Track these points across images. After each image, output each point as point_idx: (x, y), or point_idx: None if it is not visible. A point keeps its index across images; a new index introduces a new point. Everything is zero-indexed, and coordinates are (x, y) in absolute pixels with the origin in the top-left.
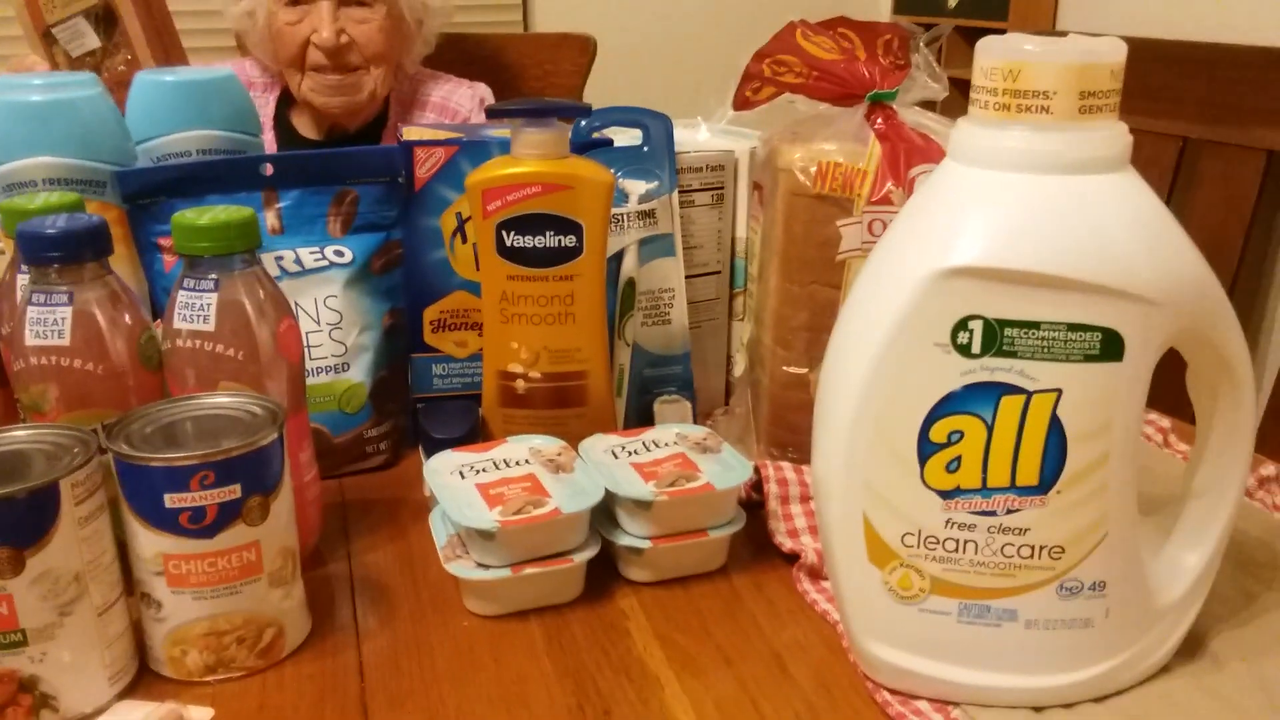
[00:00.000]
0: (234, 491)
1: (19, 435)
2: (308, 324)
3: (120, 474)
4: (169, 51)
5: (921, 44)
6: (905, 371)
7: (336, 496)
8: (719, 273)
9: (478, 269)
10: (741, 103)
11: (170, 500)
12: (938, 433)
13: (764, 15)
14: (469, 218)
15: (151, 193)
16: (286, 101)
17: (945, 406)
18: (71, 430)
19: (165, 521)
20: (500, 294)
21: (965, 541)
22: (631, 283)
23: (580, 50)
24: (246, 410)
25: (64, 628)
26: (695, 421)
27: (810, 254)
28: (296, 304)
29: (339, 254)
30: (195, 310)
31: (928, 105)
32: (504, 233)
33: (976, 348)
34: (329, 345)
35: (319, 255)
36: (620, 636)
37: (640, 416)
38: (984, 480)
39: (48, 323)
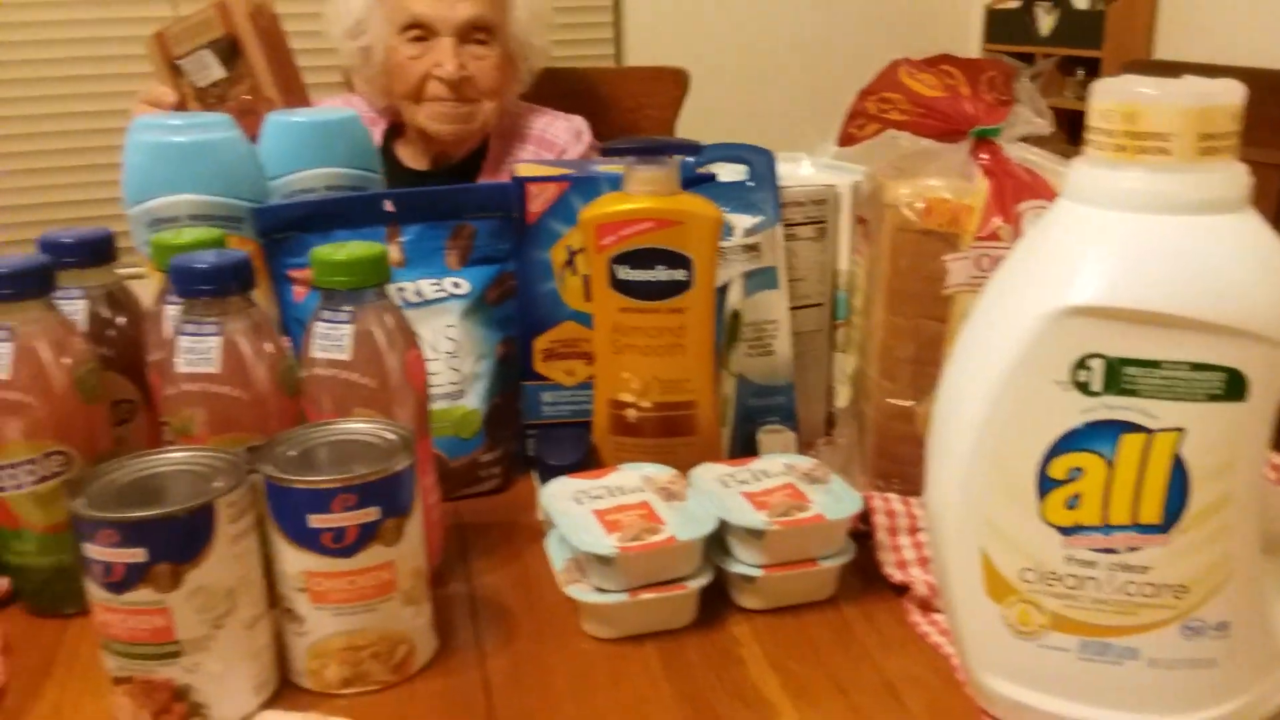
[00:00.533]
0: (373, 514)
1: (175, 457)
2: (426, 352)
3: (268, 495)
4: (289, 82)
5: (1025, 79)
6: (1024, 408)
7: (453, 519)
8: (821, 305)
9: (586, 300)
10: (846, 139)
11: (314, 521)
12: (1057, 469)
13: (854, 48)
14: (579, 251)
15: (284, 228)
16: (392, 134)
17: (1065, 443)
18: (222, 454)
19: (309, 540)
20: (612, 325)
21: (1086, 578)
22: (736, 314)
23: (673, 84)
24: (381, 436)
25: (216, 640)
26: (797, 452)
27: (916, 288)
28: (417, 335)
29: (457, 285)
30: (332, 340)
31: (1032, 140)
32: (617, 267)
33: (1097, 386)
34: (446, 373)
35: (438, 287)
36: (734, 663)
37: (744, 446)
38: (1105, 517)
39: (198, 351)
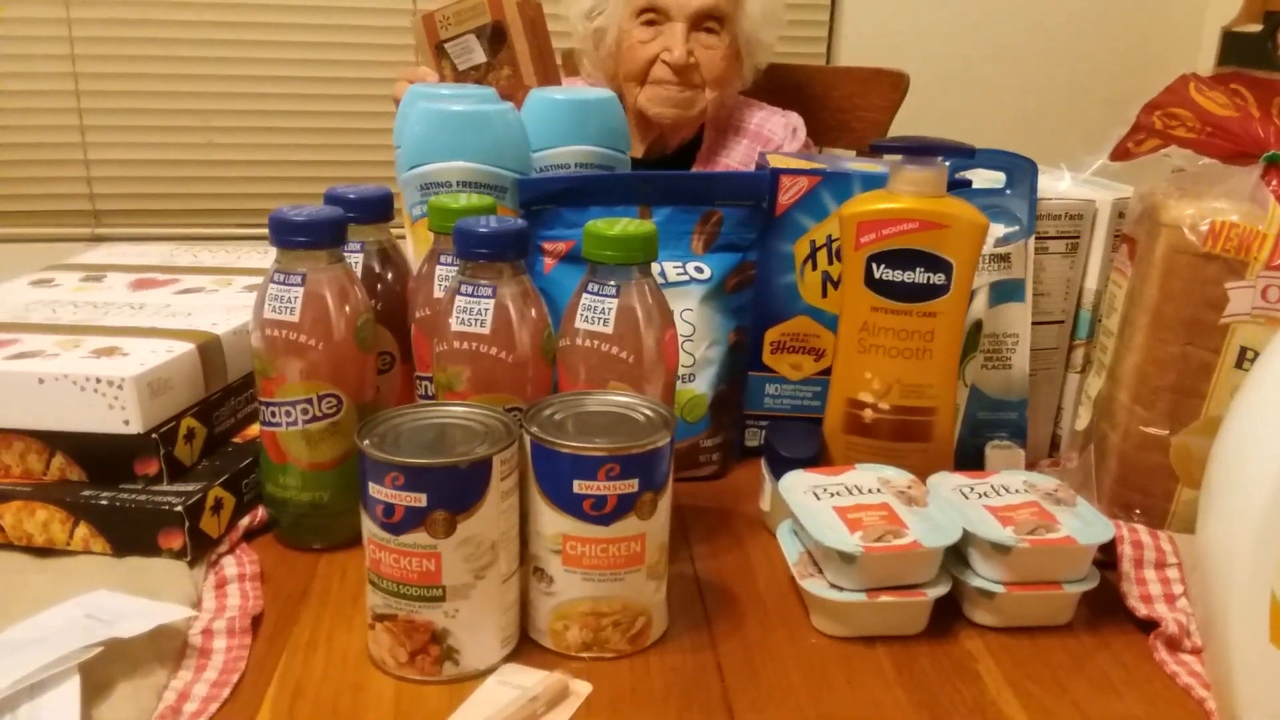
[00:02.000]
0: (632, 485)
1: (454, 410)
2: None
3: (534, 457)
4: (548, 73)
5: None
6: None
7: (675, 501)
8: (1062, 322)
9: (823, 296)
10: (1121, 153)
11: (578, 486)
12: None
13: (1079, 63)
14: (822, 245)
15: (544, 200)
16: None
17: None
18: (496, 412)
19: (570, 505)
20: (861, 324)
21: None
22: (979, 324)
23: (892, 86)
24: (640, 411)
25: (475, 589)
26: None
27: (1188, 313)
28: None
29: (699, 270)
30: (596, 313)
31: None
32: (874, 265)
33: None
34: (680, 355)
35: (681, 270)
36: (971, 679)
37: (967, 458)
38: None
39: (473, 312)
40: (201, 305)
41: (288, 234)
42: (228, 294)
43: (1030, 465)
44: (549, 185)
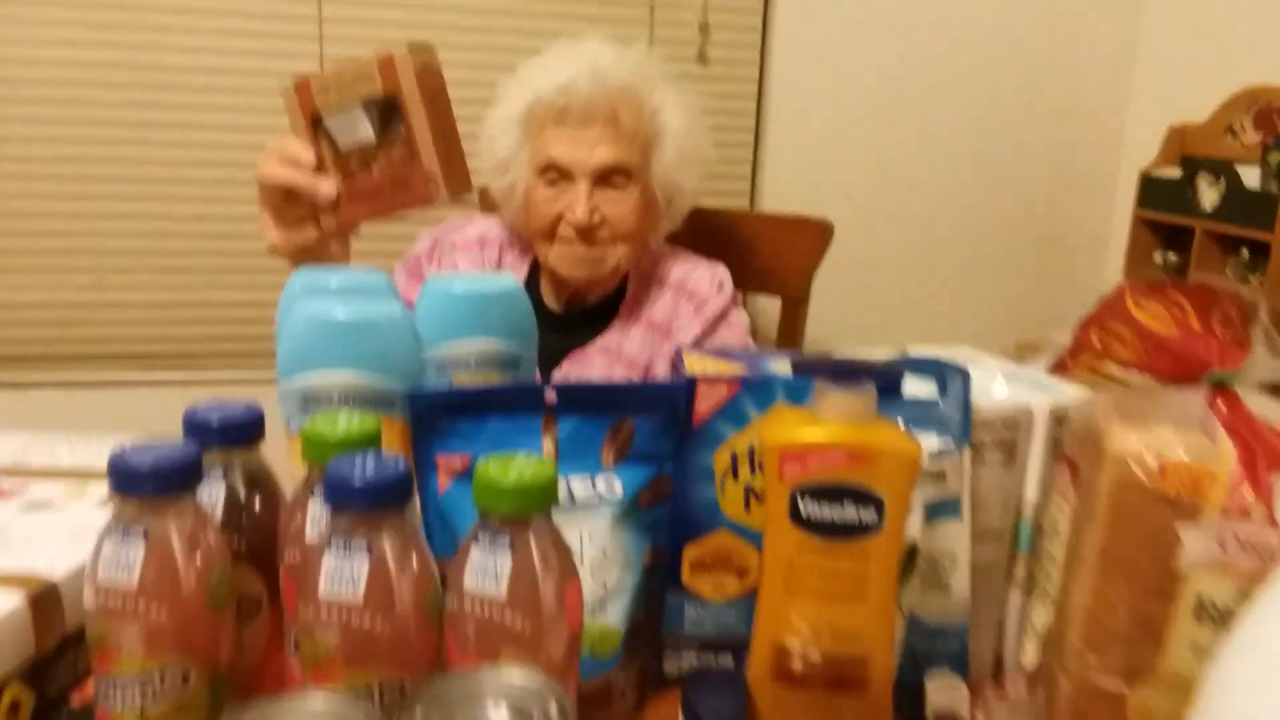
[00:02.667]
0: None
1: (313, 709)
2: None
3: None
4: (450, 152)
5: (1261, 315)
6: None
7: None
8: (1001, 536)
9: (746, 510)
10: (1060, 368)
11: None
12: None
13: (998, 215)
14: (744, 456)
15: (437, 413)
16: (537, 269)
17: None
18: (359, 709)
19: None
20: (787, 563)
21: None
22: (914, 547)
23: (816, 235)
24: (538, 707)
25: None
26: (969, 705)
27: (1140, 556)
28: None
29: (610, 486)
30: (488, 573)
31: (1270, 388)
32: (800, 499)
33: None
34: (589, 585)
35: (590, 487)
36: None
37: (906, 696)
38: None
39: (344, 575)
40: (44, 531)
41: (128, 483)
42: (79, 511)
43: (973, 690)
44: (442, 397)
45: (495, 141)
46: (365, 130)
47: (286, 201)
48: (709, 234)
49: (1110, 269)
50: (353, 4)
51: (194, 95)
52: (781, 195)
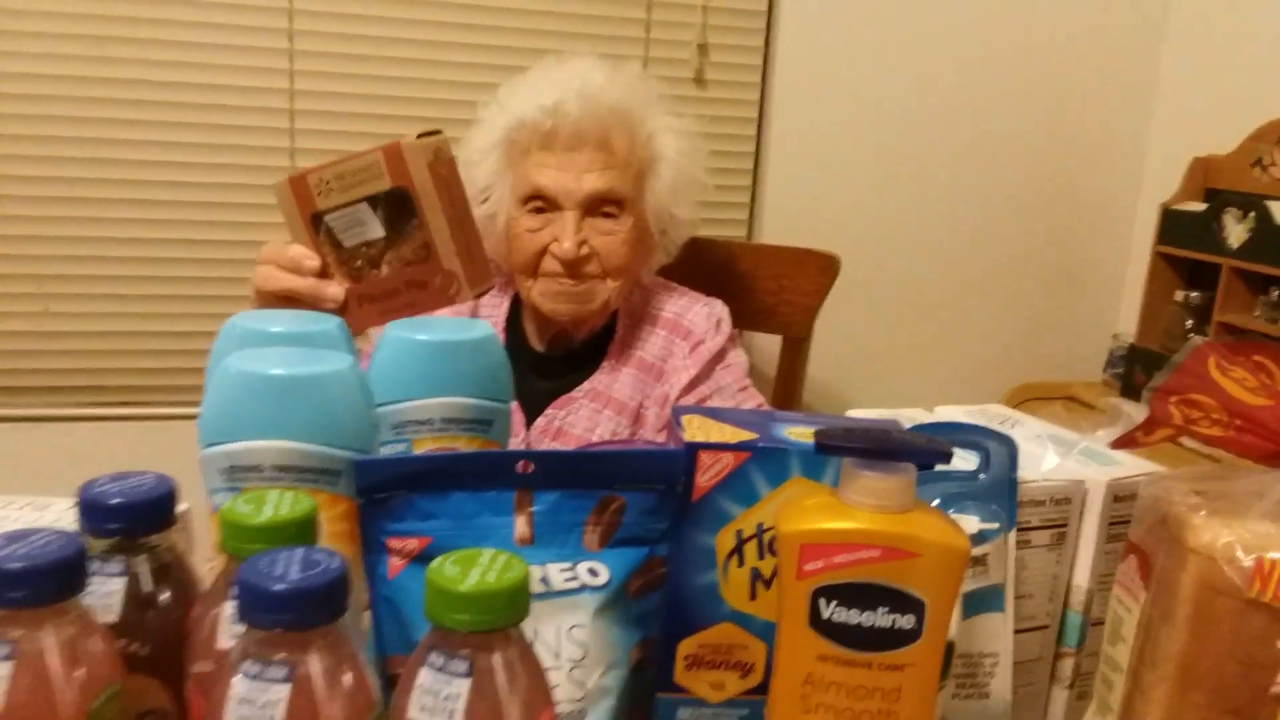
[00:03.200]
0: None
1: None
2: (546, 658)
3: None
4: (470, 243)
5: None
6: None
7: None
8: (1046, 627)
9: (752, 598)
10: (1128, 442)
11: None
12: None
13: (1011, 249)
14: (751, 536)
15: (390, 486)
16: (519, 306)
17: None
18: None
19: None
20: (805, 676)
21: None
22: (950, 645)
23: (821, 269)
24: None
25: None
26: None
27: (1230, 671)
28: (536, 632)
29: (593, 573)
30: (440, 700)
31: None
32: (822, 601)
33: None
34: (566, 687)
35: (571, 574)
36: None
37: None
38: None
39: (257, 705)
40: None
41: None
42: None
43: None
44: (397, 468)
45: (474, 168)
46: (374, 228)
47: (286, 306)
48: (705, 267)
49: (1128, 308)
50: (324, 20)
51: (149, 112)
52: (782, 226)
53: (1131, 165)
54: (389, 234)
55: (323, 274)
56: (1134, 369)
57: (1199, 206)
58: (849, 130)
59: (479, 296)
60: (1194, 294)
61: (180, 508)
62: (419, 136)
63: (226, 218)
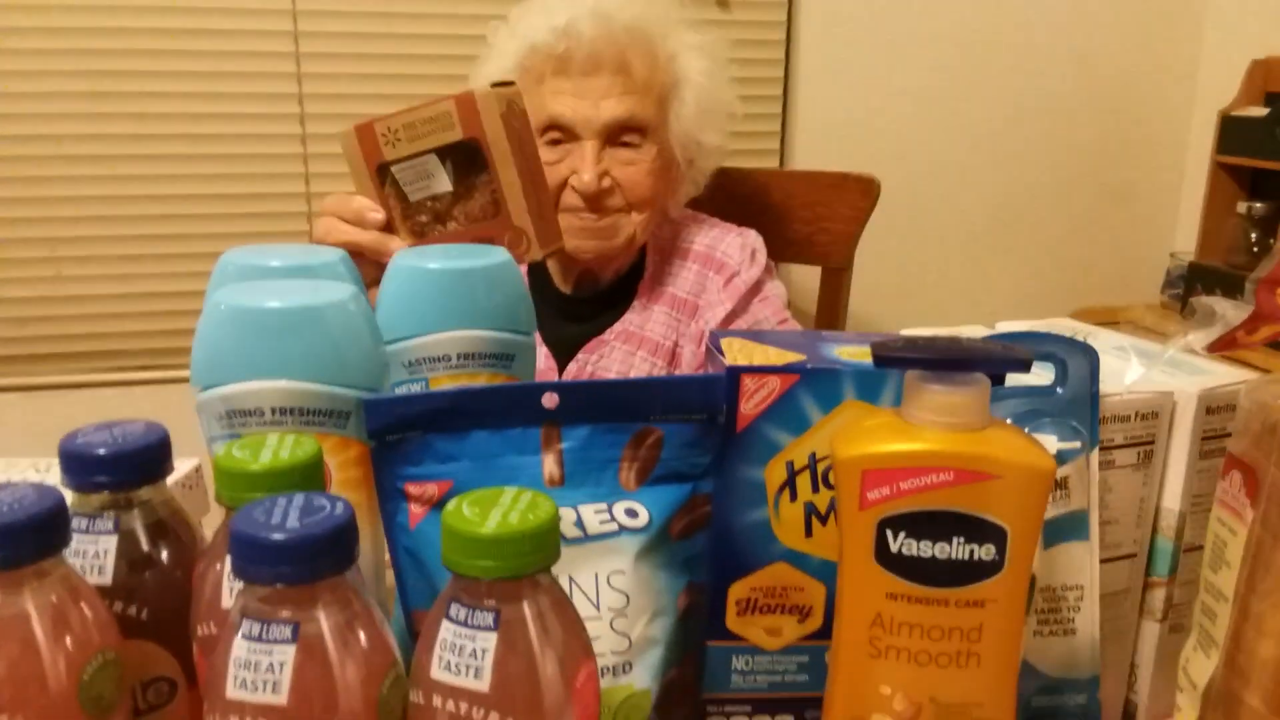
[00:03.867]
0: None
1: None
2: (584, 609)
3: None
4: (541, 202)
5: None
6: None
7: None
8: (1134, 555)
9: (807, 535)
10: (1226, 344)
11: None
12: None
13: (1055, 171)
14: (803, 468)
15: (404, 427)
16: None
17: None
18: None
19: None
20: (872, 616)
21: None
22: (1031, 581)
23: (861, 193)
24: None
25: None
26: None
27: None
28: (572, 581)
29: (632, 514)
30: (465, 657)
31: None
32: (888, 533)
33: None
34: (608, 639)
35: (606, 516)
36: None
37: None
38: None
39: (260, 669)
40: None
41: None
42: None
43: None
44: (410, 406)
45: None
46: (441, 181)
47: None
48: (737, 197)
49: (1185, 224)
50: None
51: (154, 83)
52: (816, 151)
53: (1185, 70)
54: (456, 188)
55: (387, 228)
56: (1194, 288)
57: (1260, 111)
58: (883, 44)
59: (548, 258)
60: (1258, 205)
61: (191, 463)
62: (492, 86)
63: (240, 176)
